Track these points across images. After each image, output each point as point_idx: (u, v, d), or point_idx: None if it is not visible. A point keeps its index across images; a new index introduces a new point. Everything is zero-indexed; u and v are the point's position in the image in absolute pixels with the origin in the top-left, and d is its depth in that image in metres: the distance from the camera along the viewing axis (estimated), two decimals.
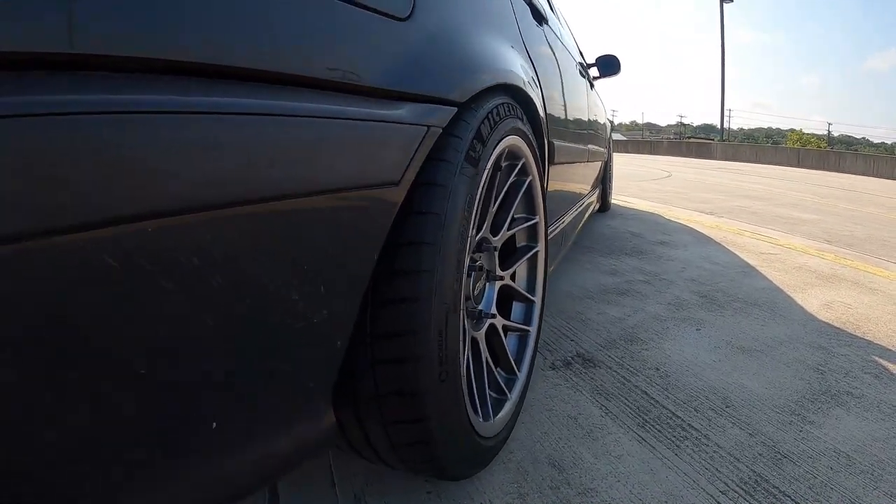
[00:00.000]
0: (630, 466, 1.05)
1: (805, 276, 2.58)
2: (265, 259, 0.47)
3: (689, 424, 1.19)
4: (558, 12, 2.53)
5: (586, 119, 2.30)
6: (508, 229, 1.04)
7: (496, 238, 0.99)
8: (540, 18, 1.47)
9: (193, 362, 0.43)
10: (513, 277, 1.13)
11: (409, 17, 0.66)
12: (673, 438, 1.14)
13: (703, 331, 1.76)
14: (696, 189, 6.87)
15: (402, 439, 0.72)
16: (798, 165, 19.05)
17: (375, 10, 0.60)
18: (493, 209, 0.96)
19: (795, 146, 35.88)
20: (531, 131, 1.10)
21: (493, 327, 1.03)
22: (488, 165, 0.82)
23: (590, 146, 2.40)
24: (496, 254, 1.02)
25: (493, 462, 1.03)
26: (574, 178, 2.07)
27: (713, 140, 32.82)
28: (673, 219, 4.16)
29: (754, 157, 21.23)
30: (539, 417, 1.21)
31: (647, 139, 37.49)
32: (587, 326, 1.76)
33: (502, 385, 1.06)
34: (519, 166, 1.05)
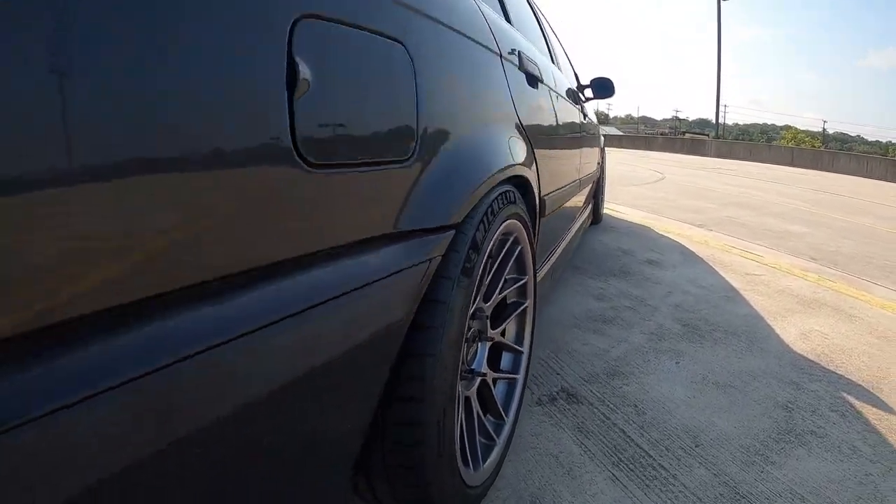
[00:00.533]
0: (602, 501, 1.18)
1: (787, 301, 2.73)
2: (302, 409, 0.60)
3: (659, 464, 1.33)
4: (550, 39, 2.62)
5: (578, 157, 2.42)
6: (500, 293, 1.17)
7: (488, 304, 1.11)
8: (535, 81, 1.58)
9: (256, 464, 0.56)
10: (503, 332, 1.26)
11: (410, 156, 0.76)
12: (643, 478, 1.28)
13: (682, 364, 1.90)
14: (688, 195, 7.02)
15: (405, 497, 0.85)
16: (792, 164, 19.31)
17: (381, 163, 0.69)
18: (487, 281, 1.08)
19: (790, 145, 36.57)
20: (524, 205, 1.23)
21: (483, 381, 1.16)
22: (481, 266, 0.95)
23: (582, 177, 2.52)
24: (488, 318, 1.15)
25: (482, 502, 1.16)
26: (565, 216, 2.19)
27: (708, 136, 33.24)
28: (663, 233, 4.31)
29: (748, 155, 21.46)
30: (524, 455, 1.35)
31: (642, 135, 38.22)
32: (573, 358, 1.90)
33: (491, 431, 1.19)
34: (511, 239, 1.18)
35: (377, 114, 0.69)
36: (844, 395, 1.80)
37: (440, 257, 0.81)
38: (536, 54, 1.76)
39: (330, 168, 0.59)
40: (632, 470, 1.31)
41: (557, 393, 1.66)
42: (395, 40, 0.72)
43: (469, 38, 1.01)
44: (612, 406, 1.59)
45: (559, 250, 2.04)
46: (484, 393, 1.18)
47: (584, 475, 1.28)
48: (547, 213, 1.55)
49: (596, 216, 4.18)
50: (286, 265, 0.55)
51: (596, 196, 3.96)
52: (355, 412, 0.70)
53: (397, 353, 0.75)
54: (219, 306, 0.47)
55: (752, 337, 2.20)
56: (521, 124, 1.29)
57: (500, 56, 1.21)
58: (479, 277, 0.94)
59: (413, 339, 0.77)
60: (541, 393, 1.65)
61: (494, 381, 1.24)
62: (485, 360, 1.17)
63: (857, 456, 1.44)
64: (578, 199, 2.63)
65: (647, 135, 39.41)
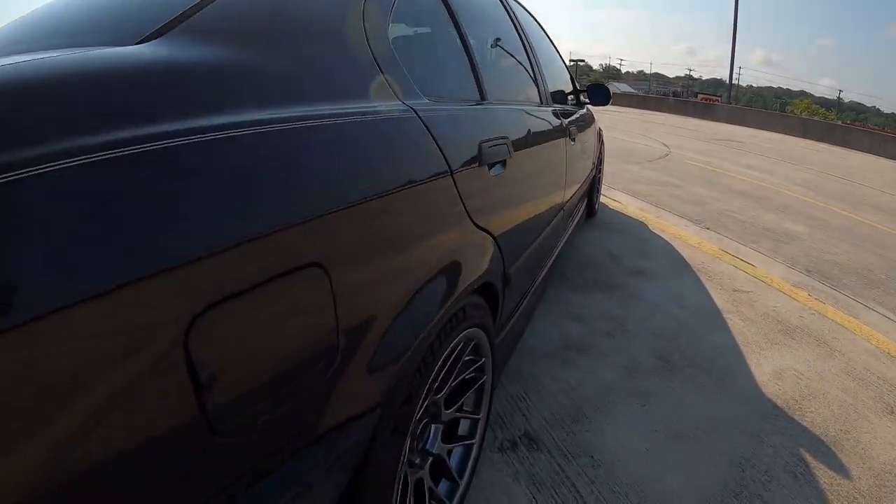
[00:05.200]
0: None
1: (769, 328, 2.79)
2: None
3: None
4: (539, 52, 2.52)
5: (561, 193, 2.36)
6: (456, 378, 1.24)
7: (440, 396, 1.18)
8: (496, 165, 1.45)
9: None
10: (461, 406, 1.33)
11: None
12: None
13: (647, 407, 1.99)
14: (693, 180, 6.96)
15: None
16: (803, 136, 19.48)
17: None
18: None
19: (803, 115, 36.75)
20: (485, 300, 1.31)
21: (437, 458, 1.23)
22: (420, 403, 1.02)
23: (567, 202, 2.50)
24: (442, 405, 1.22)
25: None
26: (538, 262, 2.15)
27: (719, 99, 33.18)
28: (658, 232, 4.36)
29: (760, 123, 21.57)
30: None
31: (652, 95, 38.27)
32: (539, 396, 1.99)
33: (443, 497, 1.27)
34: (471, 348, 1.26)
35: None
36: (803, 451, 1.86)
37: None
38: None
39: None
40: None
41: (519, 438, 1.75)
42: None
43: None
44: (569, 456, 1.69)
45: (532, 290, 2.06)
46: (438, 466, 1.26)
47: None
48: (512, 282, 1.58)
49: (590, 211, 4.28)
50: None
51: (591, 194, 4.01)
52: None
53: None
54: None
55: (723, 376, 2.26)
56: (483, 228, 1.30)
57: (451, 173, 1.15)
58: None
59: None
60: (503, 437, 1.76)
61: (451, 451, 1.32)
62: (438, 442, 1.24)
63: None
64: (564, 222, 2.61)
65: (657, 96, 39.70)
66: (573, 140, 2.50)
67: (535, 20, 2.86)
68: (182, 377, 0.54)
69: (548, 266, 2.33)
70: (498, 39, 2.02)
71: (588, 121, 3.31)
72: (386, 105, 0.98)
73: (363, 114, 0.90)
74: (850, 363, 2.55)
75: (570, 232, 2.93)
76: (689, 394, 2.11)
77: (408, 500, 1.09)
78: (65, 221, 0.47)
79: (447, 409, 1.25)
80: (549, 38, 3.05)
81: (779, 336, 2.72)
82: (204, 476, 0.59)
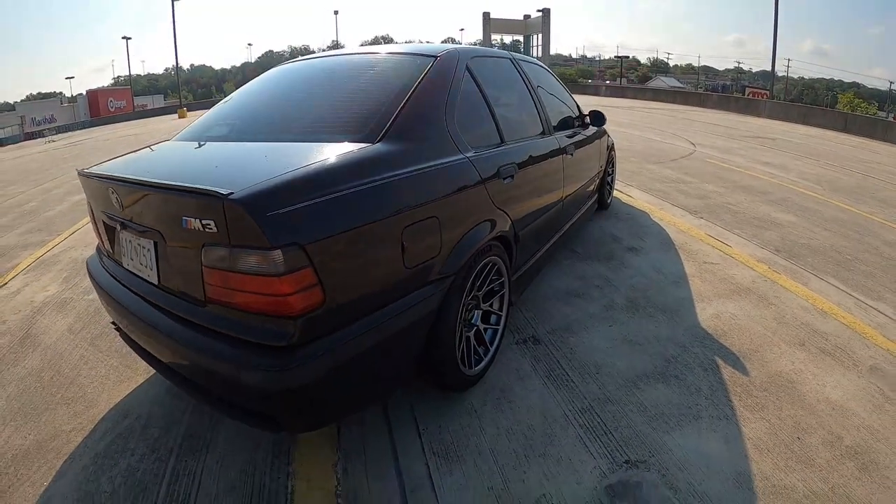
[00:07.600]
0: (534, 393, 2.40)
1: (722, 287, 3.63)
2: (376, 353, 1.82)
3: (571, 379, 2.53)
4: (546, 90, 3.60)
5: (560, 191, 3.40)
6: (489, 285, 2.36)
7: (480, 293, 2.31)
8: (511, 175, 2.57)
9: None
10: (492, 304, 2.45)
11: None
12: (559, 385, 2.47)
13: (614, 328, 3.03)
14: (705, 177, 7.57)
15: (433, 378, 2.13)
16: (845, 131, 19.22)
17: None
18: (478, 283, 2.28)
19: (846, 110, 36.21)
20: (502, 245, 2.44)
21: (478, 329, 2.36)
22: (469, 283, 2.15)
23: (566, 196, 3.52)
24: (481, 299, 2.34)
25: (477, 385, 2.41)
26: (545, 231, 3.21)
27: (767, 94, 32.94)
28: (657, 220, 5.28)
29: (802, 119, 21.26)
30: (500, 368, 2.58)
31: (695, 92, 38.30)
32: (545, 318, 3.09)
33: (481, 354, 2.40)
34: (495, 269, 2.39)
35: None
36: (716, 357, 2.71)
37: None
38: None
39: None
40: (555, 380, 2.51)
41: (528, 338, 2.88)
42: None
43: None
44: (557, 347, 2.80)
45: (541, 252, 3.16)
46: (478, 334, 2.38)
47: (529, 380, 2.50)
48: (522, 241, 2.69)
49: (601, 204, 5.25)
50: None
51: (601, 190, 5.03)
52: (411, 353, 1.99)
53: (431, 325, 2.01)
54: None
55: (674, 313, 3.22)
56: (501, 209, 2.44)
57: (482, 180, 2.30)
58: (468, 288, 2.18)
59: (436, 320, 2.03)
60: (518, 337, 2.88)
61: (485, 329, 2.44)
62: (479, 319, 2.37)
63: (697, 393, 2.48)
64: (566, 210, 3.59)
65: (701, 91, 39.75)
66: (571, 155, 3.55)
67: (545, 68, 3.95)
68: (398, 247, 1.79)
69: (556, 237, 3.42)
70: (512, 99, 3.15)
71: (592, 137, 4.31)
72: (457, 158, 2.18)
73: (449, 163, 2.11)
74: (780, 312, 3.24)
75: (578, 216, 3.98)
76: (645, 322, 3.12)
77: (461, 344, 2.21)
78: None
79: (484, 303, 2.38)
80: (556, 78, 4.15)
81: (728, 293, 3.54)
82: (402, 281, 1.86)
